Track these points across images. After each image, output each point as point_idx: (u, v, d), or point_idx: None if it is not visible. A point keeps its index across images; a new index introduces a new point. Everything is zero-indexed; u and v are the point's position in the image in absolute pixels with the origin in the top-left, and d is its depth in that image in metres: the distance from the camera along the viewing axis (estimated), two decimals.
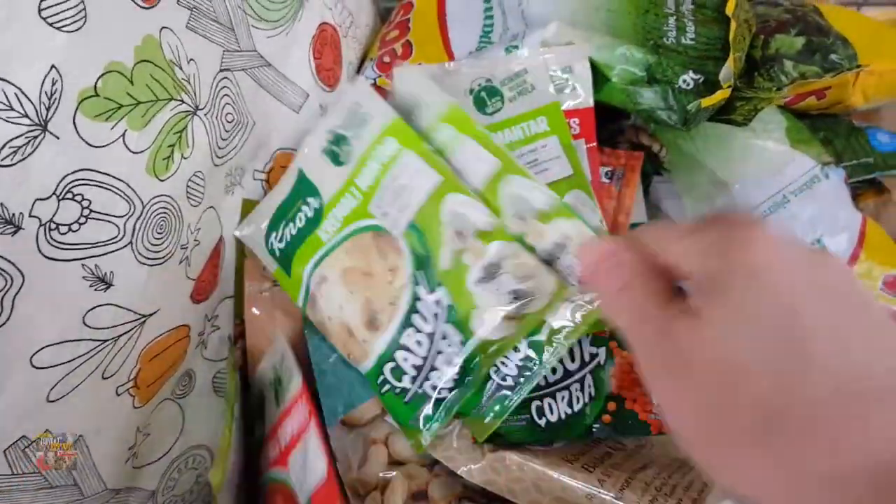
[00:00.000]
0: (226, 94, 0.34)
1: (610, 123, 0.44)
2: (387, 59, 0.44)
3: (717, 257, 0.19)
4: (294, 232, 0.37)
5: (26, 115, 0.24)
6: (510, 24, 0.45)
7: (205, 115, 0.32)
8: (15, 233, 0.24)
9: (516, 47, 0.42)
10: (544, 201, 0.32)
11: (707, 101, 0.39)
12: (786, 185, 0.42)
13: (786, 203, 0.41)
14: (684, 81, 0.39)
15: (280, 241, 0.37)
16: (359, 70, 0.47)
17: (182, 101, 0.30)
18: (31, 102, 0.24)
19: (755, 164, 0.42)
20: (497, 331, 0.32)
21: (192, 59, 0.31)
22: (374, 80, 0.44)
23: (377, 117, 0.35)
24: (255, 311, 0.38)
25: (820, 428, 0.17)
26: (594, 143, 0.39)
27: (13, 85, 0.23)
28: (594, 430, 0.36)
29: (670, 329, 0.19)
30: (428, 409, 0.33)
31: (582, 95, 0.39)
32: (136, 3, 0.27)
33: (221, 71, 0.33)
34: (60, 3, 0.24)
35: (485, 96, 0.40)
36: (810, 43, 0.43)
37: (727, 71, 0.39)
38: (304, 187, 0.37)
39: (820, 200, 0.42)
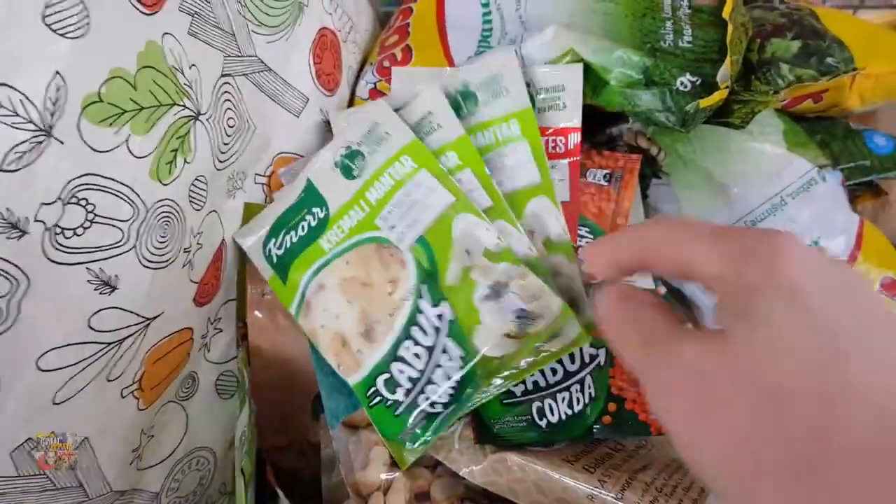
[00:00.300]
0: (227, 99, 0.34)
1: (609, 126, 0.45)
2: (387, 63, 0.45)
3: (747, 265, 0.18)
4: (295, 240, 0.37)
5: (31, 121, 0.24)
6: (508, 29, 0.46)
7: (207, 119, 0.32)
8: (20, 237, 0.25)
9: (513, 50, 0.42)
10: (524, 251, 0.34)
11: (705, 102, 0.39)
12: (783, 187, 0.42)
13: (783, 206, 0.41)
14: (682, 84, 0.40)
15: (279, 248, 0.37)
16: (358, 74, 0.47)
17: (184, 107, 0.30)
18: (36, 108, 0.24)
19: (753, 166, 0.42)
20: (498, 348, 0.32)
21: (193, 65, 0.31)
22: (375, 84, 0.44)
23: (396, 136, 0.37)
24: (257, 313, 0.38)
25: (869, 461, 0.16)
26: (577, 158, 0.40)
27: (18, 91, 0.23)
28: (594, 430, 0.36)
29: (693, 354, 0.18)
30: (419, 423, 0.33)
31: (573, 115, 0.40)
32: (138, 10, 0.28)
33: (223, 76, 0.34)
34: (63, 9, 0.24)
35: (460, 100, 0.40)
36: (806, 46, 0.44)
37: (724, 72, 0.39)
38: (311, 197, 0.37)
39: (817, 203, 0.42)
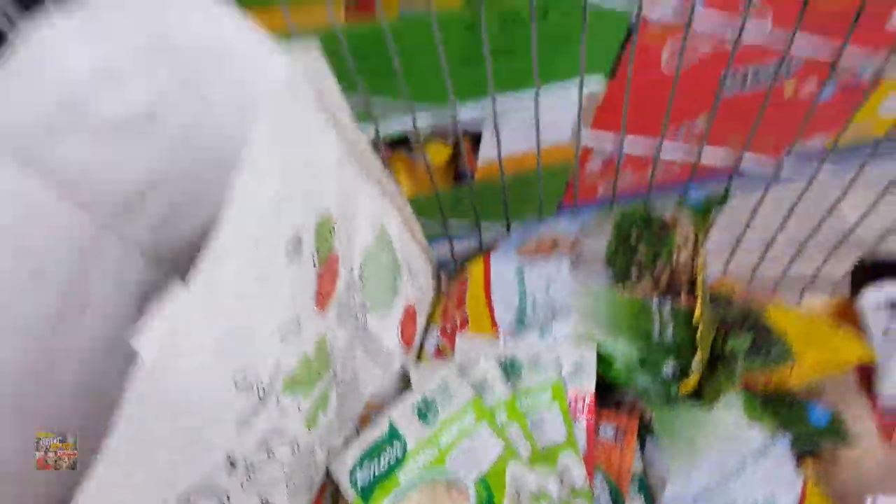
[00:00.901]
0: (350, 366, 0.48)
1: (614, 389, 0.58)
2: (449, 329, 0.60)
3: None
4: (378, 471, 0.48)
5: (258, 396, 0.37)
6: (538, 308, 0.62)
7: (337, 383, 0.45)
8: (232, 472, 0.36)
9: (548, 330, 0.57)
10: (557, 494, 0.46)
11: (684, 387, 0.53)
12: (745, 451, 0.55)
13: (746, 467, 0.54)
14: (666, 370, 0.54)
15: (364, 476, 0.48)
16: (425, 331, 0.61)
17: (329, 374, 0.44)
18: (263, 387, 0.37)
19: (718, 434, 0.55)
20: None
21: (337, 345, 0.45)
22: (438, 344, 0.59)
23: (462, 393, 0.50)
24: None
25: None
26: (593, 418, 0.53)
27: (261, 377, 0.37)
28: None
29: None
30: None
31: (588, 384, 0.54)
32: (316, 311, 0.42)
33: (349, 349, 0.48)
34: (288, 322, 0.38)
35: (509, 368, 0.55)
36: (756, 342, 0.60)
37: (696, 363, 0.54)
38: (393, 435, 0.49)
39: (772, 464, 0.55)
